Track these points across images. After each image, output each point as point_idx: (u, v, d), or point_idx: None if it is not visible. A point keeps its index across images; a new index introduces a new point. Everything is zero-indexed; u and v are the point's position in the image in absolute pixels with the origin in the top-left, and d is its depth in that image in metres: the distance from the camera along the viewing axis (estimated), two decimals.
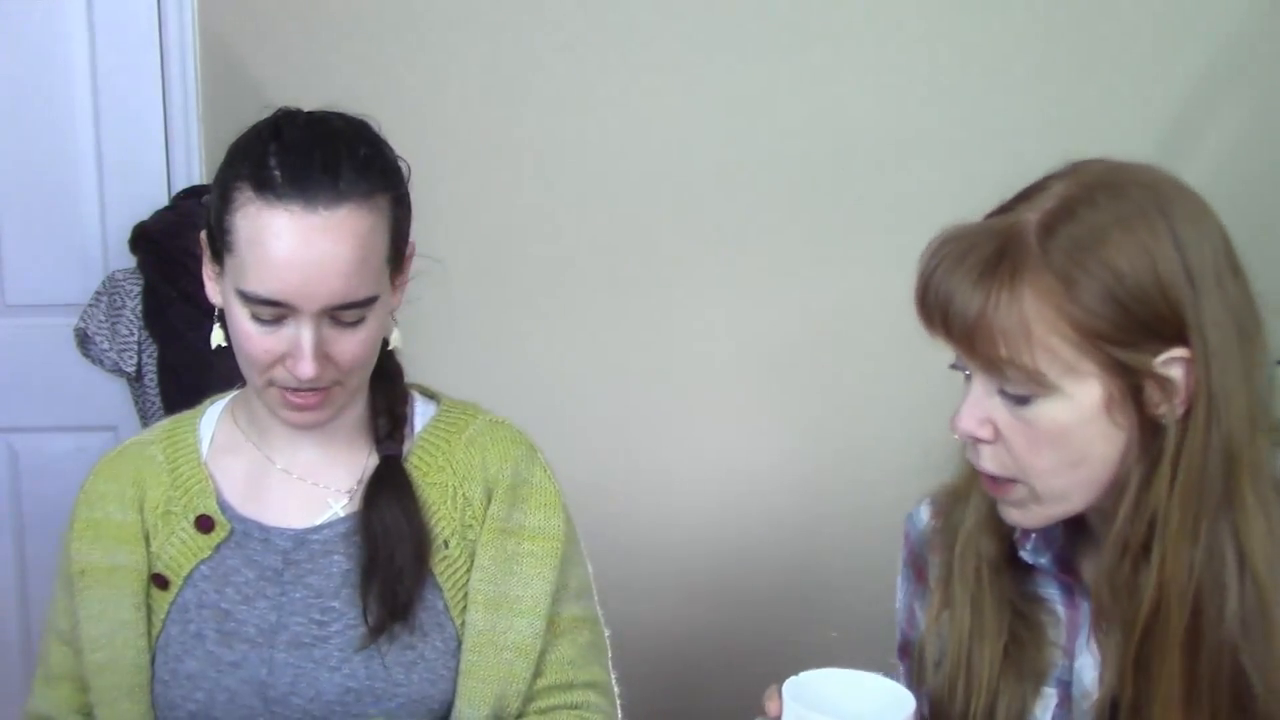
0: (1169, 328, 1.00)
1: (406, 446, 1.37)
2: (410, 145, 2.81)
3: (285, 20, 2.52)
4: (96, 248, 2.54)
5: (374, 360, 1.31)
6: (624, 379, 2.64)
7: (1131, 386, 1.00)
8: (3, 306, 2.57)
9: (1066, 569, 1.13)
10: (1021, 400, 1.02)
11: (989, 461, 1.05)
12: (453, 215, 2.58)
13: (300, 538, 1.33)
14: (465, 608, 1.33)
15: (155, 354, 2.25)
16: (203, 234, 1.30)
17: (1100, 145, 2.65)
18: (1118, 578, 1.05)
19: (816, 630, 2.41)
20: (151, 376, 2.26)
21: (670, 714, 2.42)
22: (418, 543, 1.31)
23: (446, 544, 1.33)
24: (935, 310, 1.03)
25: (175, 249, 2.25)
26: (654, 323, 2.62)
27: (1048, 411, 1.01)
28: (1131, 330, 0.99)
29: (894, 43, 2.47)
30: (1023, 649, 1.13)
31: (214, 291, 1.31)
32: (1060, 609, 1.14)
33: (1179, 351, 1.00)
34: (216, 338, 1.31)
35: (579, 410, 2.62)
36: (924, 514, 1.25)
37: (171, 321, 2.24)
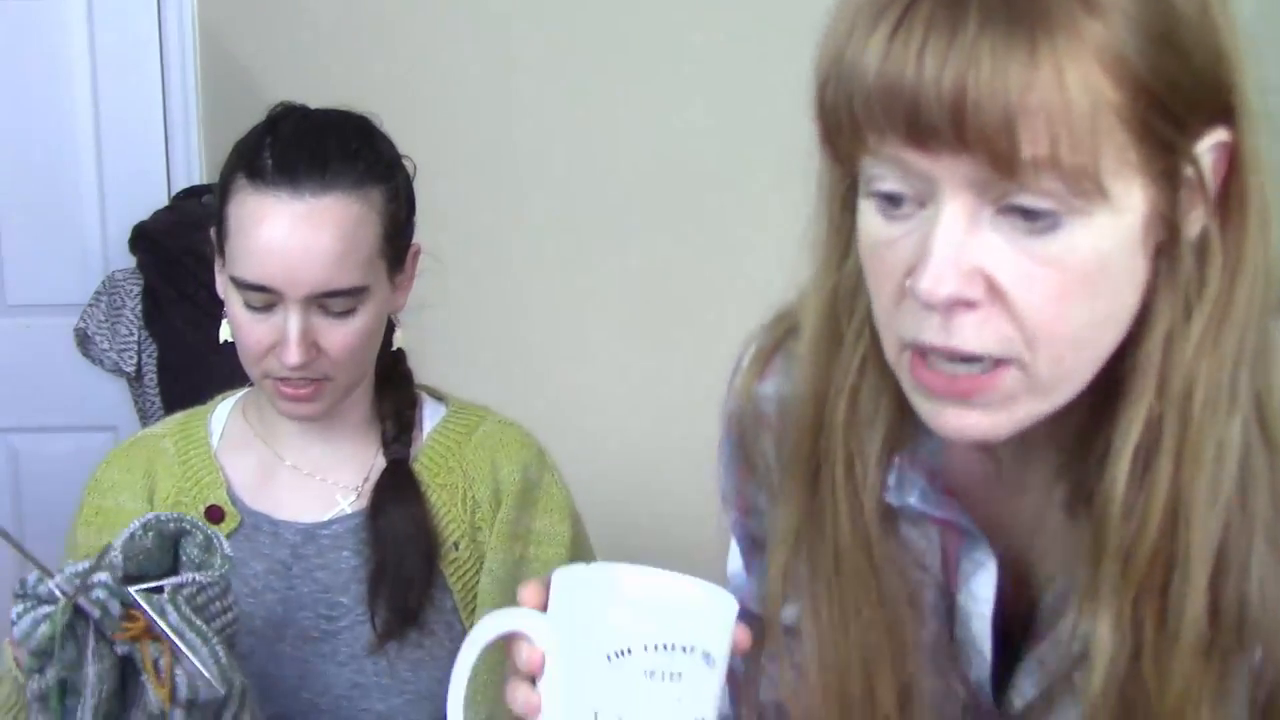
0: (1216, 95, 0.72)
1: (415, 448, 1.37)
2: (410, 145, 2.80)
3: (285, 20, 2.52)
4: (96, 248, 2.54)
5: (370, 358, 1.32)
6: (629, 377, 2.64)
7: (1170, 190, 0.70)
8: (3, 306, 2.58)
9: (943, 506, 0.82)
10: (1047, 225, 0.68)
11: (976, 337, 0.69)
12: (453, 213, 2.58)
13: (309, 532, 1.33)
14: (475, 609, 1.33)
15: (155, 354, 2.25)
16: (212, 230, 1.32)
17: None
18: (1131, 492, 0.74)
19: None
20: (151, 376, 2.26)
21: None
22: (426, 549, 1.31)
23: (456, 546, 1.34)
24: (918, 103, 0.66)
25: (175, 249, 2.25)
26: (661, 320, 2.62)
27: (1085, 238, 0.68)
28: (1184, 92, 0.69)
29: None
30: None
31: (220, 285, 1.33)
32: (932, 562, 0.84)
33: (1221, 134, 0.71)
34: (224, 333, 1.32)
35: (584, 411, 2.62)
36: (763, 382, 0.90)
37: (171, 321, 2.24)
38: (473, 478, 1.36)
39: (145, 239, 2.30)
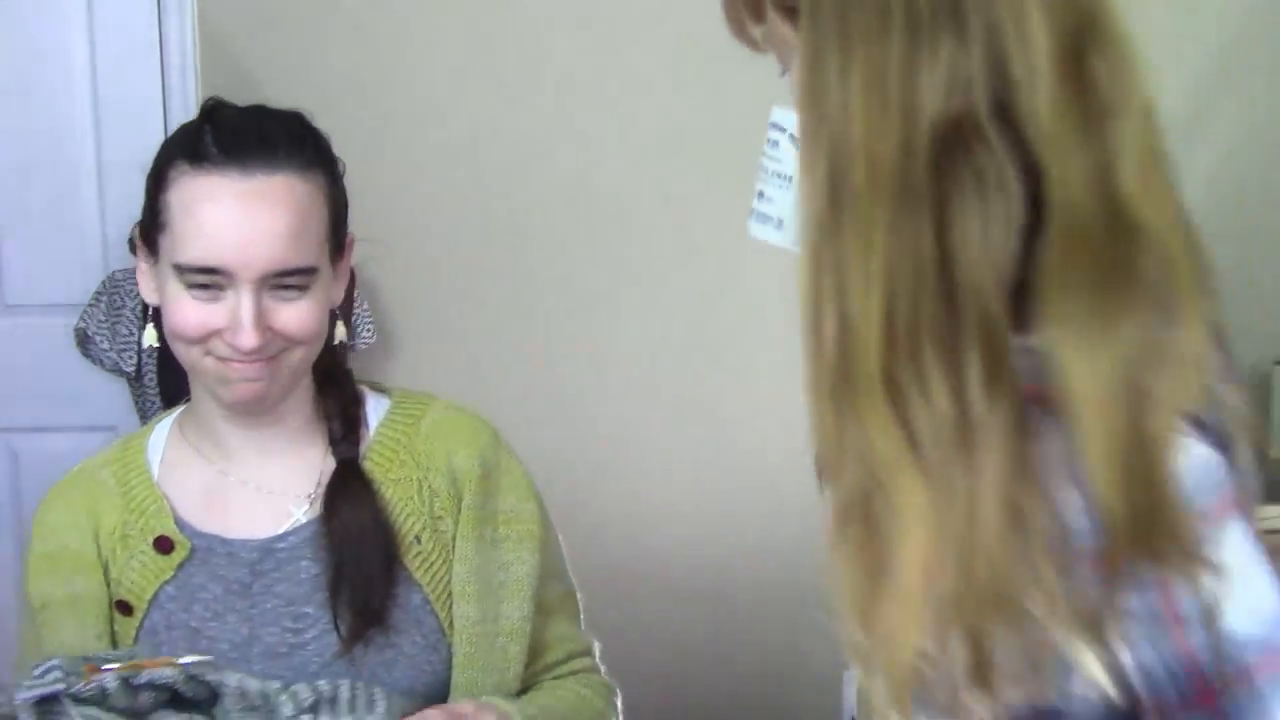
0: None
1: (363, 446, 1.34)
2: (410, 144, 2.81)
3: (285, 20, 2.52)
4: (96, 248, 2.54)
5: (317, 347, 1.28)
6: (619, 376, 2.64)
7: None
8: (3, 306, 2.57)
9: None
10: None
11: None
12: (448, 210, 2.58)
13: (266, 547, 1.30)
14: (449, 600, 1.32)
15: (155, 354, 2.25)
16: (133, 234, 1.28)
17: None
18: None
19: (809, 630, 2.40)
20: (151, 376, 2.26)
21: (666, 713, 2.41)
22: (384, 546, 1.29)
23: (419, 539, 1.31)
24: None
25: None
26: (650, 319, 2.62)
27: None
28: None
29: None
30: None
31: (149, 290, 1.29)
32: None
33: None
34: (149, 338, 1.30)
35: (573, 408, 2.62)
36: None
37: None
38: (427, 467, 1.33)
39: None
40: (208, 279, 1.20)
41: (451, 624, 1.32)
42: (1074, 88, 0.78)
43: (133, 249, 2.31)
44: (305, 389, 1.33)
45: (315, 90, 2.53)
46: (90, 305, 2.30)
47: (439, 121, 2.53)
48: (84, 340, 2.30)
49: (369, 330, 2.45)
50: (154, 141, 2.51)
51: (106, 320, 2.28)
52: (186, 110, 2.52)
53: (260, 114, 1.29)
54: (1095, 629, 0.79)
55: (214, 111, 1.29)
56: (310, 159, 1.26)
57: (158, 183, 1.25)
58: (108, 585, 1.31)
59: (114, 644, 1.29)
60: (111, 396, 2.53)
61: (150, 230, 1.26)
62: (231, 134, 1.23)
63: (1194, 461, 0.81)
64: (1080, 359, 0.77)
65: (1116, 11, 0.81)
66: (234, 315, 1.20)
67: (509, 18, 2.53)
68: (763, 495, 2.60)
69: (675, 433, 2.66)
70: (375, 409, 1.38)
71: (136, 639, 1.29)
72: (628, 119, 2.57)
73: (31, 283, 2.56)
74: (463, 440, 1.35)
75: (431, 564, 1.32)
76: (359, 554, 1.27)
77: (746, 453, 2.63)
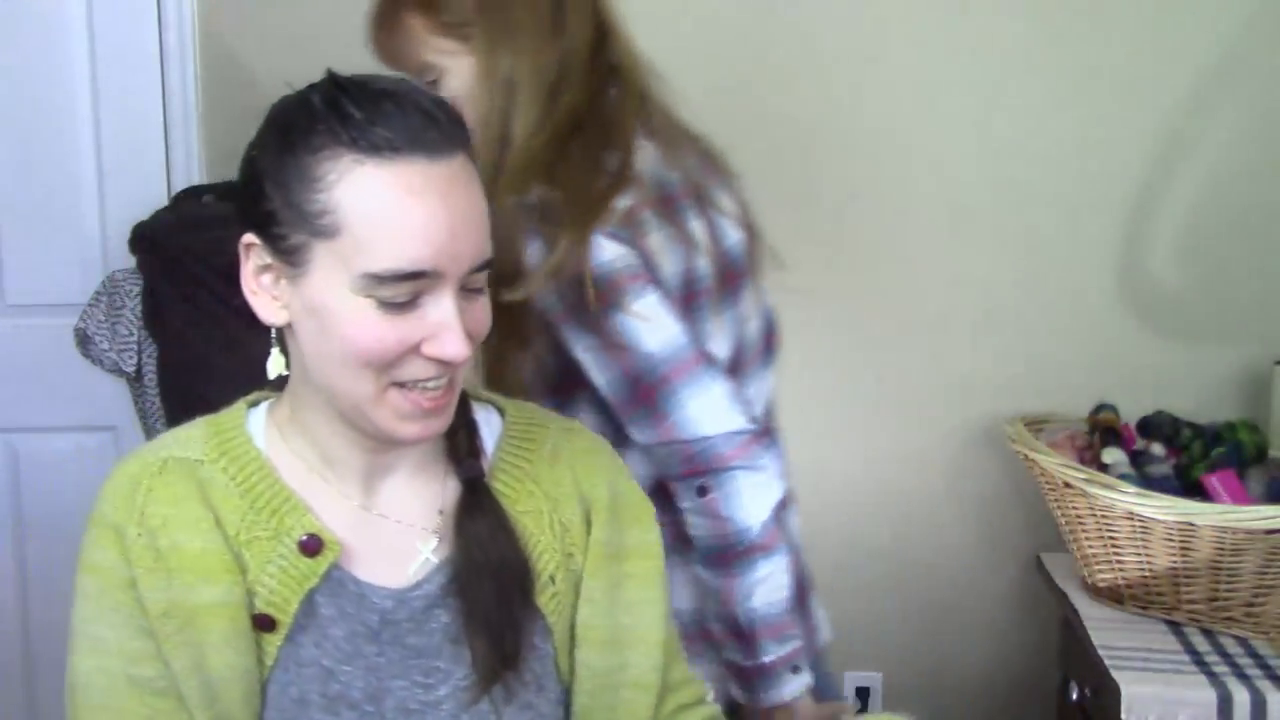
0: None
1: (484, 467, 1.18)
2: None
3: (285, 20, 2.52)
4: (96, 248, 2.54)
5: None
6: None
7: None
8: (3, 306, 2.58)
9: None
10: None
11: None
12: None
13: (400, 597, 1.14)
14: (573, 648, 1.19)
15: (155, 354, 2.24)
16: (245, 245, 1.09)
17: (1100, 145, 2.67)
18: None
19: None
20: (151, 376, 2.26)
21: None
22: (520, 575, 1.14)
23: (553, 579, 1.17)
24: None
25: (175, 249, 2.25)
26: None
27: None
28: None
29: (888, 43, 2.47)
30: None
31: (273, 310, 1.09)
32: None
33: None
34: (277, 366, 1.13)
35: None
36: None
37: (171, 321, 2.24)
38: (556, 498, 1.19)
39: (145, 239, 2.30)
40: (410, 288, 1.02)
41: (572, 670, 1.20)
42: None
43: (133, 249, 2.32)
44: None
45: None
46: (90, 305, 2.30)
47: None
48: (84, 340, 2.30)
49: None
50: (154, 142, 2.54)
51: (106, 320, 2.28)
52: (186, 110, 2.52)
53: (391, 84, 1.06)
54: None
55: (340, 88, 1.05)
56: (465, 133, 1.07)
57: (305, 178, 1.03)
58: (246, 593, 1.11)
59: (260, 661, 1.12)
60: (111, 396, 2.53)
61: (288, 235, 1.05)
62: (394, 112, 1.02)
63: (608, 254, 1.40)
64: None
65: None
66: (436, 323, 1.03)
67: None
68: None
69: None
70: (487, 422, 1.23)
71: (277, 661, 1.12)
72: None
73: (31, 283, 2.56)
74: (592, 466, 1.22)
75: (563, 607, 1.18)
76: (494, 585, 1.13)
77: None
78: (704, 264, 1.51)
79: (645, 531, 1.23)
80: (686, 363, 1.42)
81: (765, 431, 1.48)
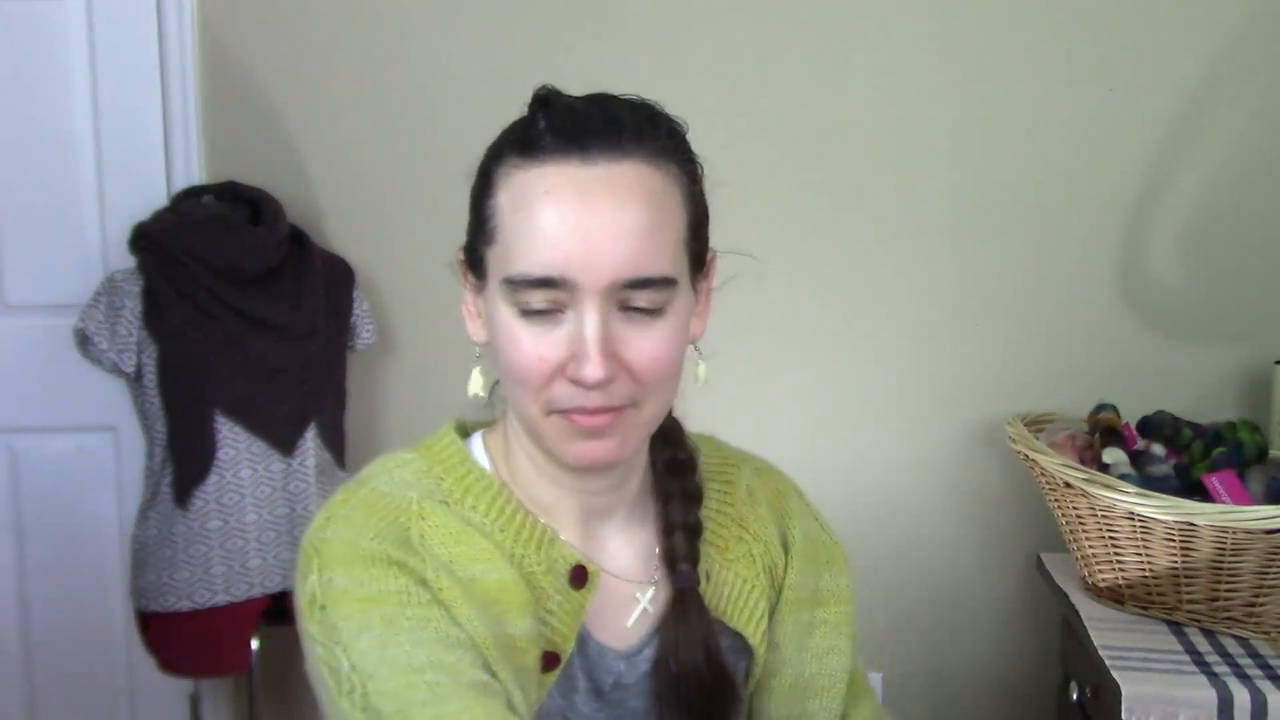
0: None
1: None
2: (412, 145, 2.80)
3: (285, 20, 2.52)
4: (96, 248, 2.55)
5: (673, 390, 1.04)
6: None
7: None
8: (3, 306, 2.58)
9: None
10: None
11: None
12: (449, 210, 2.57)
13: (629, 659, 1.10)
14: (752, 693, 1.16)
15: (155, 354, 2.24)
16: (456, 262, 1.08)
17: (1100, 145, 2.66)
18: None
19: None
20: (151, 376, 2.26)
21: None
22: (722, 695, 1.10)
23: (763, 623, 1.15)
24: None
25: (175, 249, 2.25)
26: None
27: None
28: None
29: (890, 43, 2.47)
30: None
31: (476, 327, 1.07)
32: None
33: None
34: (475, 386, 1.09)
35: None
36: None
37: (171, 321, 2.24)
38: (765, 541, 1.16)
39: (145, 239, 2.30)
40: (546, 296, 0.96)
41: (749, 715, 1.18)
42: None
43: (133, 249, 2.32)
44: (644, 451, 1.11)
45: (315, 91, 2.53)
46: (90, 305, 2.30)
47: (440, 121, 2.52)
48: (84, 340, 2.30)
49: (369, 330, 2.44)
50: (154, 142, 2.55)
51: (106, 320, 2.28)
52: (186, 110, 2.52)
53: (604, 97, 1.03)
54: None
55: (548, 100, 1.03)
56: (665, 146, 1.00)
57: (486, 184, 1.02)
58: (538, 629, 1.05)
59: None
60: (111, 396, 2.53)
61: (476, 246, 1.03)
62: (570, 116, 0.99)
63: None
64: None
65: None
66: (575, 339, 0.97)
67: (511, 20, 2.53)
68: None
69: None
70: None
71: (542, 702, 1.06)
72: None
73: (31, 283, 2.56)
74: (787, 508, 1.19)
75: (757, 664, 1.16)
76: (691, 710, 1.09)
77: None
78: None
79: (838, 576, 1.20)
80: None
81: None
